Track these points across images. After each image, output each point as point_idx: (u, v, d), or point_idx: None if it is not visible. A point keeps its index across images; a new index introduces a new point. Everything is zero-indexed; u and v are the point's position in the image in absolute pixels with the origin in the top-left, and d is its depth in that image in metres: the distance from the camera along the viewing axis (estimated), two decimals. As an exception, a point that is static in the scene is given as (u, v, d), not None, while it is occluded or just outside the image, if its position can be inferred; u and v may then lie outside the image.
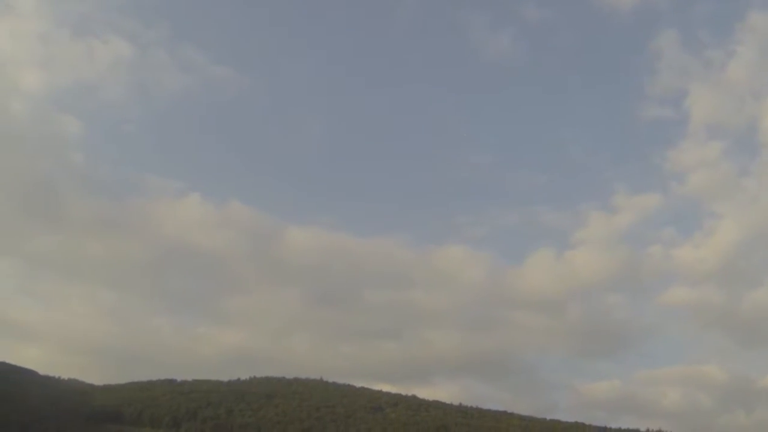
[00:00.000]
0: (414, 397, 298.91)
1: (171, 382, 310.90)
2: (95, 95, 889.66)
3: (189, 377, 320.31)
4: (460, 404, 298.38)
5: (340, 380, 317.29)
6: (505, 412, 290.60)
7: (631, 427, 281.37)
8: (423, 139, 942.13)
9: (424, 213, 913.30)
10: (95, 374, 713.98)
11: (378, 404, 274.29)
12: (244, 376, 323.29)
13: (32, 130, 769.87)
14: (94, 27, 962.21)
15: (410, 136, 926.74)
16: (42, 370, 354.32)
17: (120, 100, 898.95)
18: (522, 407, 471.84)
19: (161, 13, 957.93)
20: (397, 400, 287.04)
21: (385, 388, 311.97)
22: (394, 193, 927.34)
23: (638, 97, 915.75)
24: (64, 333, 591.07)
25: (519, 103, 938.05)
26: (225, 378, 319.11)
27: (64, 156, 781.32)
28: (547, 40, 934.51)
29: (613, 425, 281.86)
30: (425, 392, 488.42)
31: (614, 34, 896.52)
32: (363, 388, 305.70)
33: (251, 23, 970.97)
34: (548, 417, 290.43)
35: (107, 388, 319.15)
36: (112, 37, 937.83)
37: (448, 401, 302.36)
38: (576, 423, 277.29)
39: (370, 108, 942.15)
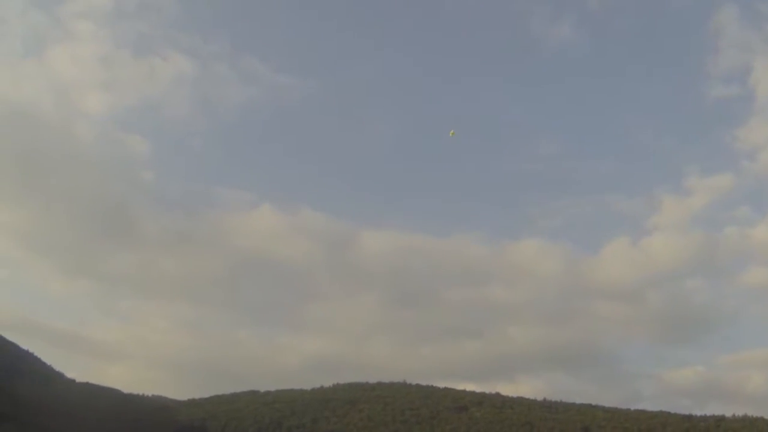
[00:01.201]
0: (498, 394, 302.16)
1: (254, 393, 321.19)
2: (160, 113, 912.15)
3: (272, 387, 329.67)
4: (545, 399, 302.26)
5: (423, 382, 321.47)
6: (589, 405, 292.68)
7: (716, 413, 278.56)
8: (490, 134, 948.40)
9: (497, 208, 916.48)
10: (179, 389, 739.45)
11: (462, 404, 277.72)
12: (328, 383, 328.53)
13: (100, 152, 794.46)
14: (154, 45, 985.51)
15: (477, 131, 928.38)
16: (125, 388, 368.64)
17: (185, 115, 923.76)
18: (606, 398, 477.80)
19: (219, 27, 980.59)
20: (481, 398, 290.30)
21: (469, 387, 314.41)
22: (465, 190, 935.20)
23: (702, 77, 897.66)
24: (145, 350, 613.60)
25: (584, 92, 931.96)
26: (308, 386, 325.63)
27: (134, 175, 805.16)
28: (607, 26, 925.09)
29: (698, 412, 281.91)
30: (509, 389, 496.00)
31: (673, 14, 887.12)
32: (447, 389, 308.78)
33: (309, 29, 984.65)
34: (632, 407, 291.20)
35: (191, 403, 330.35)
36: (173, 53, 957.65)
37: (532, 397, 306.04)
38: (660, 412, 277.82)
39: (436, 105, 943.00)
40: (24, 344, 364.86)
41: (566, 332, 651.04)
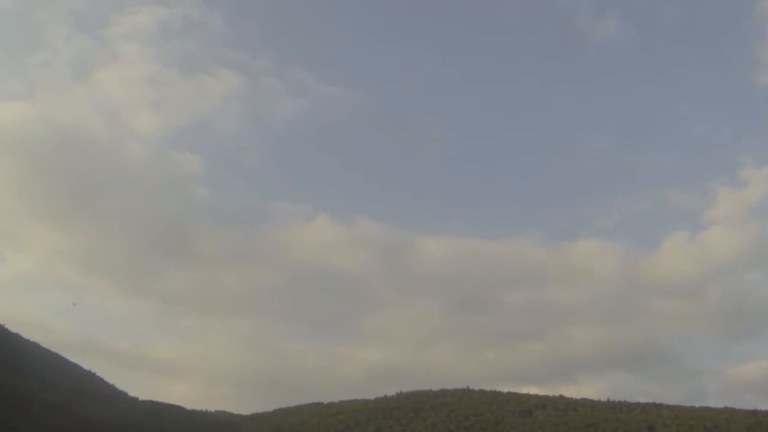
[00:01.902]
0: (561, 397, 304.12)
1: (318, 405, 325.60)
2: (212, 129, 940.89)
3: (336, 398, 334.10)
4: (608, 400, 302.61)
5: (487, 387, 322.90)
6: (653, 404, 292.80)
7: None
8: (541, 133, 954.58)
9: (552, 208, 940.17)
10: (242, 404, 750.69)
11: (526, 408, 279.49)
12: (391, 392, 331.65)
13: (154, 171, 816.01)
14: (201, 63, 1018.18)
15: (528, 132, 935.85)
16: (188, 405, 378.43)
17: (236, 130, 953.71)
18: (670, 397, 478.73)
19: (265, 42, 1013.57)
20: (544, 401, 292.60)
21: (532, 390, 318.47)
22: (520, 192, 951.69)
23: (752, 65, 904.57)
24: (207, 366, 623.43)
25: (633, 86, 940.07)
26: (372, 396, 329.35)
27: (189, 193, 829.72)
28: (652, 18, 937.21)
29: (763, 407, 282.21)
30: (572, 391, 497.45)
31: (718, 2, 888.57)
32: (510, 393, 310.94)
33: (354, 39, 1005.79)
34: (697, 405, 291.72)
35: (255, 417, 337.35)
36: (221, 70, 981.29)
37: (595, 398, 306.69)
38: (725, 408, 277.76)
39: (485, 107, 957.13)
40: (87, 365, 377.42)
41: (627, 331, 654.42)
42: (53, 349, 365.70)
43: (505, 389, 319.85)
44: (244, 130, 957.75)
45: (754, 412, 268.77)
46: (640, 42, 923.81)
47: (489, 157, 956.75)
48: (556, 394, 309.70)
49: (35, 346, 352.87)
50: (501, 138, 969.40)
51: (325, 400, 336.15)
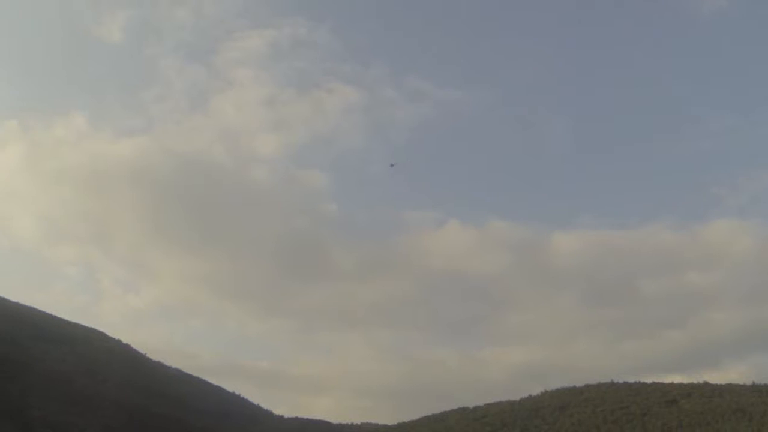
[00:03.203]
0: (706, 383, 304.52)
1: (464, 410, 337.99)
2: (334, 145, 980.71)
3: (481, 402, 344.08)
4: (753, 383, 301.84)
5: (631, 379, 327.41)
6: None
7: None
8: (662, 115, 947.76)
9: (680, 191, 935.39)
10: (387, 414, 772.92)
11: (671, 397, 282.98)
12: (536, 391, 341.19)
13: (280, 191, 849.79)
14: (315, 79, 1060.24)
15: (648, 115, 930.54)
16: (334, 419, 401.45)
17: (358, 143, 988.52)
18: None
19: (376, 51, 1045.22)
20: (689, 389, 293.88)
21: (676, 378, 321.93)
22: (647, 178, 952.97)
23: None
24: (349, 379, 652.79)
25: (748, 57, 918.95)
26: (517, 396, 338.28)
27: (317, 210, 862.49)
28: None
29: None
30: (716, 377, 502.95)
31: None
32: (654, 383, 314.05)
33: (466, 39, 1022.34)
34: None
35: (401, 427, 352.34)
36: (336, 84, 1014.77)
37: (740, 382, 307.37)
38: None
39: (605, 95, 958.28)
40: (230, 387, 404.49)
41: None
42: (195, 374, 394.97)
43: (649, 380, 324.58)
44: (365, 142, 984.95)
45: None
46: (750, 11, 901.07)
47: (611, 145, 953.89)
48: (701, 380, 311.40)
49: (177, 372, 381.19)
50: (621, 124, 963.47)
51: (471, 404, 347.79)
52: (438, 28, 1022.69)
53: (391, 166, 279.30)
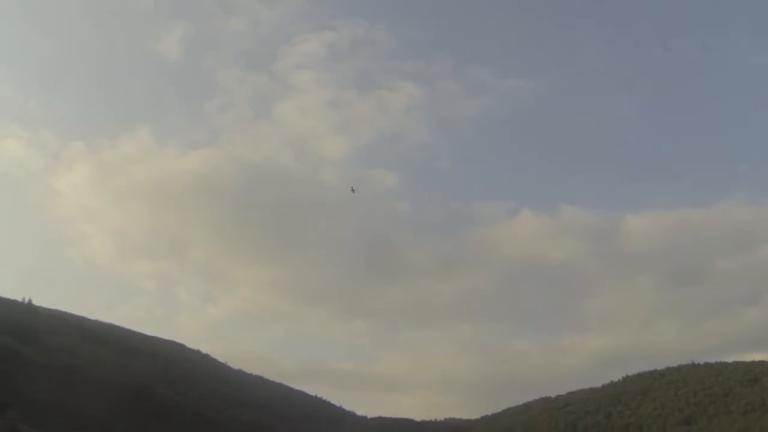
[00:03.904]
0: None
1: (546, 400, 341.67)
2: (400, 141, 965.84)
3: (563, 391, 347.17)
4: None
5: (712, 359, 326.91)
6: None
7: None
8: (732, 91, 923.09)
9: (751, 166, 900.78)
10: (471, 408, 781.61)
11: (753, 375, 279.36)
12: (617, 377, 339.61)
13: (351, 193, 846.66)
14: (377, 78, 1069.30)
15: (717, 91, 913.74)
16: (418, 417, 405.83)
17: (425, 139, 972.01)
18: None
19: (436, 46, 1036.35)
20: None
21: (758, 357, 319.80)
22: (717, 154, 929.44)
23: None
24: (432, 376, 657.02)
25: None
26: (599, 383, 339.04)
27: (388, 209, 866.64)
28: None
29: None
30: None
31: None
32: (736, 362, 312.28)
33: (526, 27, 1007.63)
34: None
35: (484, 419, 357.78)
36: (398, 82, 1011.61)
37: None
38: None
39: (670, 75, 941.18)
40: (313, 391, 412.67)
41: None
42: (277, 380, 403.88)
43: (730, 359, 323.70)
44: (432, 138, 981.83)
45: None
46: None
47: (680, 125, 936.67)
48: None
49: (260, 380, 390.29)
50: (687, 103, 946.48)
51: (553, 393, 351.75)
52: (496, 18, 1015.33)
53: (353, 191, 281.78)
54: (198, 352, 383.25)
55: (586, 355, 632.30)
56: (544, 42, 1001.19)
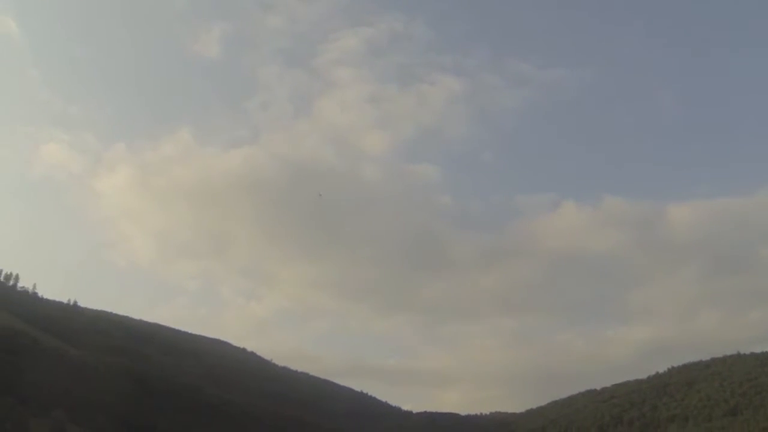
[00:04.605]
0: None
1: (591, 392, 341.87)
2: (441, 135, 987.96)
3: (608, 383, 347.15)
4: None
5: (757, 349, 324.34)
6: None
7: None
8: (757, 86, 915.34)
9: None
10: (516, 402, 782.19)
11: None
12: (662, 368, 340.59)
13: (392, 188, 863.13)
14: (417, 73, 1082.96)
15: (751, 83, 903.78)
16: (462, 411, 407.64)
17: (466, 132, 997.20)
18: None
19: (474, 39, 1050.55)
20: None
21: None
22: (757, 141, 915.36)
23: None
24: (476, 370, 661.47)
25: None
26: (644, 375, 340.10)
27: (431, 203, 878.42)
28: None
29: None
30: None
31: None
32: None
33: (564, 19, 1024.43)
34: None
35: (530, 413, 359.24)
36: (438, 76, 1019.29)
37: None
38: None
39: (710, 66, 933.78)
40: (358, 387, 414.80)
41: None
42: (322, 376, 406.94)
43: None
44: (473, 131, 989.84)
45: None
46: None
47: (719, 114, 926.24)
48: None
49: (305, 376, 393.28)
50: (728, 94, 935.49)
51: (598, 386, 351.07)
52: (534, 9, 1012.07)
53: (320, 195, 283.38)
54: (243, 350, 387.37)
55: (631, 347, 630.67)
56: (584, 33, 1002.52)
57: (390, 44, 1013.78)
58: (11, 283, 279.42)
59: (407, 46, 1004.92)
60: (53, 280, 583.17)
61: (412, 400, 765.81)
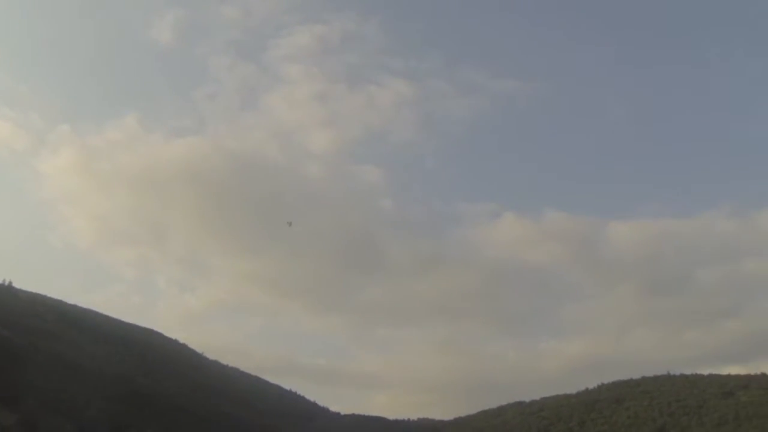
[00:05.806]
0: (763, 375, 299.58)
1: (520, 404, 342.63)
2: (387, 139, 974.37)
3: (537, 396, 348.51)
4: None
5: (687, 370, 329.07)
6: None
7: None
8: (721, 103, 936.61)
9: (738, 177, 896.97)
10: (445, 409, 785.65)
11: (728, 389, 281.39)
12: (592, 384, 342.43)
13: (334, 187, 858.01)
14: (366, 73, 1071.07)
15: (707, 102, 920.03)
16: (391, 415, 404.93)
17: (411, 137, 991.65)
18: None
19: (427, 44, 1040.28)
20: (746, 381, 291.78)
21: (733, 370, 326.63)
22: (704, 166, 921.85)
23: None
24: (407, 375, 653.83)
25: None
26: (573, 390, 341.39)
27: (372, 205, 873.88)
28: None
29: None
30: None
31: None
32: (711, 375, 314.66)
33: (519, 29, 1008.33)
34: None
35: (458, 421, 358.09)
36: (387, 78, 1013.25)
37: None
38: None
39: (663, 83, 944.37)
40: (287, 385, 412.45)
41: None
42: (253, 372, 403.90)
43: (705, 371, 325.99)
44: (419, 136, 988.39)
45: None
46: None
47: (670, 133, 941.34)
48: (758, 372, 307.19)
49: (235, 371, 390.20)
50: (678, 113, 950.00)
51: (527, 398, 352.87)
52: (490, 18, 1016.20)
53: (289, 224, 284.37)
54: (176, 341, 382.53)
55: (563, 361, 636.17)
56: (536, 44, 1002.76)
57: (342, 43, 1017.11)
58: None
59: (359, 46, 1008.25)
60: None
61: (340, 402, 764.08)
